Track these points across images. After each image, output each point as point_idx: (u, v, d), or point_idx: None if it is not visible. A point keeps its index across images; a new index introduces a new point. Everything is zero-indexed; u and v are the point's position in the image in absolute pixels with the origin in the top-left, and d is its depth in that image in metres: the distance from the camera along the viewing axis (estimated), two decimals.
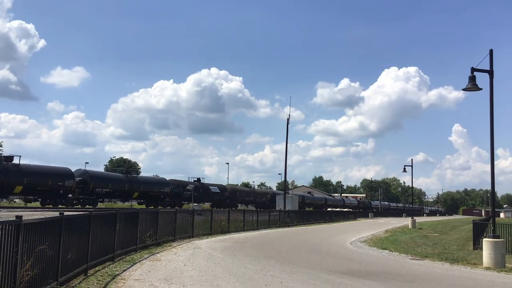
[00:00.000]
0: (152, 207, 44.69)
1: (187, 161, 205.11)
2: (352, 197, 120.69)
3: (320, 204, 78.81)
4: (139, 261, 13.34)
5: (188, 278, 10.69)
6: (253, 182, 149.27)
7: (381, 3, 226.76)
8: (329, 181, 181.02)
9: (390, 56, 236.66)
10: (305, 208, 64.80)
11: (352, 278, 11.58)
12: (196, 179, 54.57)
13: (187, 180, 55.20)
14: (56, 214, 9.29)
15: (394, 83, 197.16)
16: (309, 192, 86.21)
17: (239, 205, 60.50)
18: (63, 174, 38.26)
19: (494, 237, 15.05)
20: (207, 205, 55.01)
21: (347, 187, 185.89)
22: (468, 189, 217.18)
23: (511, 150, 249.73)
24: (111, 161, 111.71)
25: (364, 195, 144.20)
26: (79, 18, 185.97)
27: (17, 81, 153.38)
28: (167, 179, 52.68)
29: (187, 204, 52.45)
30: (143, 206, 47.23)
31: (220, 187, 58.48)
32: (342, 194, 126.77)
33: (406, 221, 49.35)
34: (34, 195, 37.25)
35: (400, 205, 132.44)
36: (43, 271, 7.88)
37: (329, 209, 73.13)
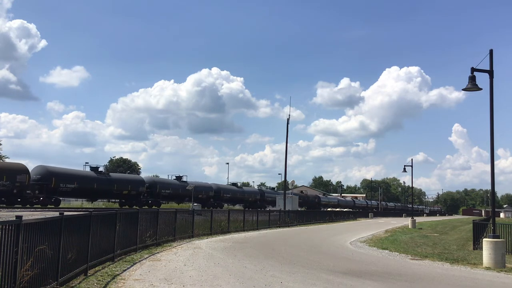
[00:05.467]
0: (127, 207, 41.59)
1: (187, 161, 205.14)
2: (352, 197, 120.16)
3: (313, 203, 75.70)
4: (139, 261, 13.34)
5: (188, 278, 10.70)
6: (253, 182, 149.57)
7: (381, 3, 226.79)
8: (329, 181, 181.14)
9: (390, 56, 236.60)
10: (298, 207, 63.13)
11: (352, 278, 11.58)
12: (176, 177, 51.58)
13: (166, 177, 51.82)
14: (56, 214, 9.30)
15: (394, 83, 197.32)
16: (302, 191, 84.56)
17: (225, 204, 56.69)
18: (14, 169, 34.34)
19: (494, 237, 15.06)
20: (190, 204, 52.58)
21: (347, 187, 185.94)
22: (468, 189, 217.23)
23: (511, 150, 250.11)
24: (111, 161, 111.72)
25: (364, 195, 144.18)
26: (79, 18, 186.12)
27: (17, 81, 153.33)
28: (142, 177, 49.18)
29: (166, 203, 49.27)
30: (117, 206, 43.82)
31: (205, 185, 55.13)
32: (342, 194, 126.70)
33: (406, 221, 49.36)
34: None
35: (399, 204, 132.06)
36: (43, 271, 7.88)
37: (323, 209, 71.29)
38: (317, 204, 77.38)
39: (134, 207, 40.83)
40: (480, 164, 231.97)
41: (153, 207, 42.46)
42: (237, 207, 58.55)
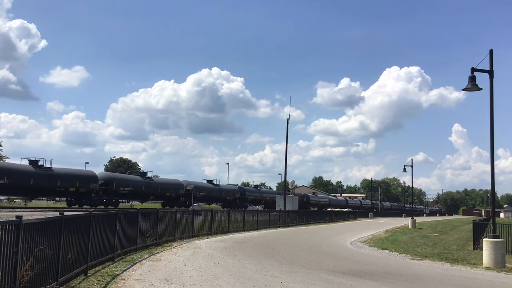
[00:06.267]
0: (76, 206, 37.49)
1: (187, 161, 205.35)
2: (350, 197, 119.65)
3: (301, 202, 67.90)
4: (139, 261, 13.34)
5: (188, 278, 10.70)
6: (253, 182, 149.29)
7: (381, 3, 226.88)
8: (329, 181, 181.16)
9: (390, 56, 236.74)
10: None
11: (352, 278, 11.57)
12: (140, 173, 46.45)
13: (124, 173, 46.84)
14: (56, 214, 9.30)
15: (394, 83, 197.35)
16: (289, 190, 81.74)
17: (200, 204, 50.77)
18: None
19: (494, 237, 15.06)
20: (158, 203, 49.01)
21: (347, 187, 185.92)
22: (468, 189, 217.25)
23: (511, 150, 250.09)
24: (111, 161, 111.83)
25: (364, 195, 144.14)
26: (79, 18, 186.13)
27: (17, 81, 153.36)
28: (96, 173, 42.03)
29: (126, 203, 45.12)
30: (64, 205, 39.49)
31: (175, 182, 49.69)
32: (342, 194, 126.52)
33: (406, 221, 49.36)
34: None
35: (396, 204, 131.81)
36: (43, 271, 7.88)
37: (312, 208, 68.63)
38: (306, 204, 71.77)
39: (85, 206, 37.02)
40: (480, 164, 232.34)
41: (109, 206, 38.33)
42: (214, 206, 53.29)
